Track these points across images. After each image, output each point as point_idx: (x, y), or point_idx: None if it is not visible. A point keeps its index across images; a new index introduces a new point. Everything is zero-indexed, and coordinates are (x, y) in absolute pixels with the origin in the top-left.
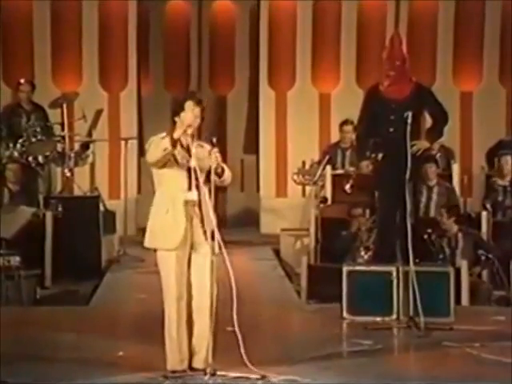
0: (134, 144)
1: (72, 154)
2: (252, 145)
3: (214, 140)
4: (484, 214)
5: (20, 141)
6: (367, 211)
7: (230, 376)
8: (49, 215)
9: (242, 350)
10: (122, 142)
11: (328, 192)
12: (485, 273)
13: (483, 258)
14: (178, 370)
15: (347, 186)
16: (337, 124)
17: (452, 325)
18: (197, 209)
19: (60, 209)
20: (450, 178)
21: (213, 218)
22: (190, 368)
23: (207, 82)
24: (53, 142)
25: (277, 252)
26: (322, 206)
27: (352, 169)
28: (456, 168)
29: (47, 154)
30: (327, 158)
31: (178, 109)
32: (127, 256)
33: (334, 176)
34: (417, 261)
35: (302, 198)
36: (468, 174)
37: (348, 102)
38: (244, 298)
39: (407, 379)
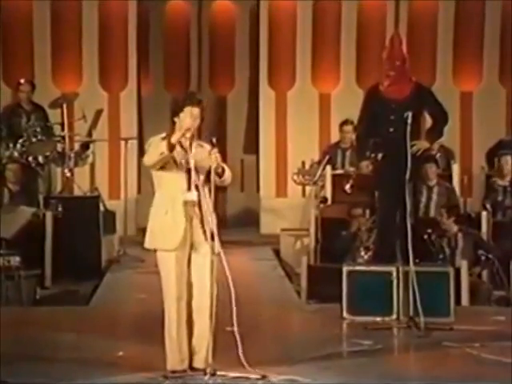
0: (134, 144)
1: (72, 154)
2: (252, 145)
3: (214, 140)
4: (484, 214)
5: (20, 141)
6: (367, 211)
7: (230, 376)
8: (49, 215)
9: (241, 352)
10: (122, 142)
11: (328, 192)
12: (485, 273)
13: (483, 258)
14: (178, 370)
15: (347, 186)
16: (337, 124)
17: (452, 325)
18: (196, 209)
19: (60, 209)
20: (450, 178)
21: (213, 217)
22: (191, 368)
23: (207, 82)
24: (53, 142)
25: (277, 252)
26: (321, 206)
27: (352, 169)
28: (456, 168)
29: (47, 154)
30: (327, 158)
31: (177, 109)
32: (127, 256)
33: (333, 176)
34: (417, 261)
35: (302, 198)
36: (468, 174)
37: (348, 102)
38: (244, 298)
39: (407, 379)
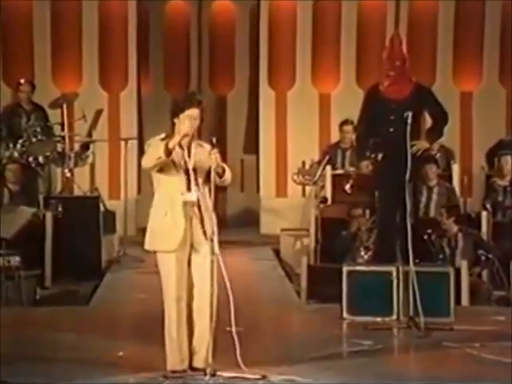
0: (133, 144)
1: (72, 155)
2: (252, 145)
3: (214, 140)
4: (484, 214)
5: (20, 141)
6: (367, 211)
7: (230, 376)
8: (49, 215)
9: (238, 353)
10: (122, 143)
11: (328, 192)
12: (485, 273)
13: (483, 258)
14: (178, 370)
15: (347, 186)
16: (337, 124)
17: (452, 325)
18: (196, 209)
19: (60, 209)
20: (450, 178)
21: (213, 217)
22: (191, 368)
23: (207, 82)
24: (53, 142)
25: (277, 252)
26: (321, 206)
27: (352, 169)
28: (456, 168)
29: (47, 154)
30: (327, 158)
31: (177, 110)
32: (127, 256)
33: (333, 176)
34: (417, 261)
35: (302, 198)
36: (468, 174)
37: (348, 102)
38: (244, 299)
39: (407, 379)
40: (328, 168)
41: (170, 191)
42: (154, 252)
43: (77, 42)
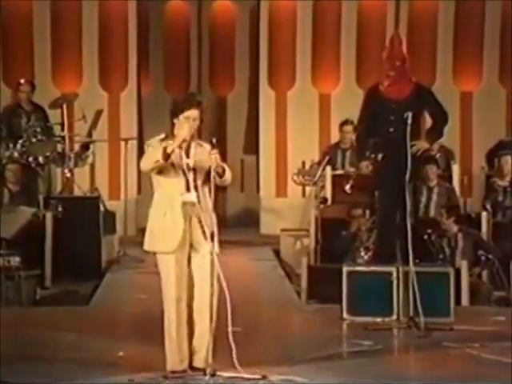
0: (133, 144)
1: (72, 155)
2: (252, 145)
3: (214, 140)
4: (484, 214)
5: (20, 141)
6: (367, 212)
7: (230, 376)
8: (49, 215)
9: (234, 355)
10: (122, 143)
11: (328, 192)
12: (485, 273)
13: (483, 258)
14: (178, 370)
15: (347, 187)
16: (337, 124)
17: (452, 325)
18: (196, 209)
19: (60, 209)
20: (450, 178)
21: (213, 217)
22: (191, 367)
23: (207, 82)
24: (53, 142)
25: (277, 252)
26: (321, 206)
27: (352, 169)
28: (456, 168)
29: (47, 154)
30: (327, 158)
31: (177, 111)
32: (127, 256)
33: (333, 176)
34: (417, 261)
35: (302, 199)
36: (468, 175)
37: (348, 102)
38: (244, 299)
39: (407, 379)
40: (328, 168)
41: (170, 192)
42: (154, 253)
43: (77, 42)
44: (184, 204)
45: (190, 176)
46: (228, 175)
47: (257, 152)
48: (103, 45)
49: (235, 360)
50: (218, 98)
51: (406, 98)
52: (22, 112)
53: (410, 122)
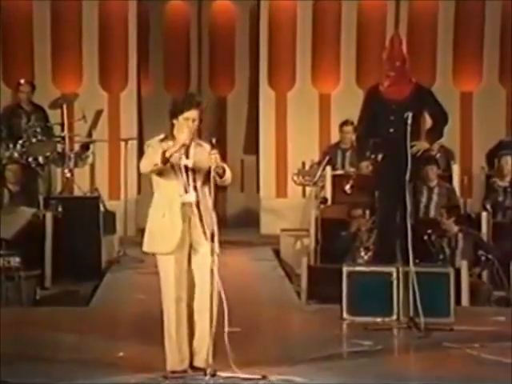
0: (133, 144)
1: (72, 155)
2: (252, 145)
3: (214, 141)
4: (484, 214)
5: (20, 141)
6: (367, 212)
7: (230, 376)
8: (49, 216)
9: (229, 355)
10: (122, 143)
11: (328, 193)
12: (485, 273)
13: (483, 258)
14: (178, 370)
15: (347, 187)
16: (337, 124)
17: (452, 325)
18: (195, 209)
19: (60, 209)
20: (450, 178)
21: (213, 217)
22: (192, 367)
23: (207, 82)
24: (53, 142)
25: (277, 252)
26: (322, 206)
27: (352, 169)
28: (456, 169)
29: (47, 154)
30: (327, 158)
31: (176, 112)
32: (127, 256)
33: (334, 177)
34: (417, 261)
35: (302, 199)
36: (468, 175)
37: (348, 102)
38: (244, 299)
39: (407, 380)
40: (328, 168)
41: (169, 193)
42: (153, 254)
43: (77, 42)
44: (183, 205)
45: (190, 176)
46: (228, 175)
47: (257, 152)
48: (103, 45)
49: (231, 362)
50: (218, 98)
51: (406, 99)
52: (22, 112)
53: (410, 122)
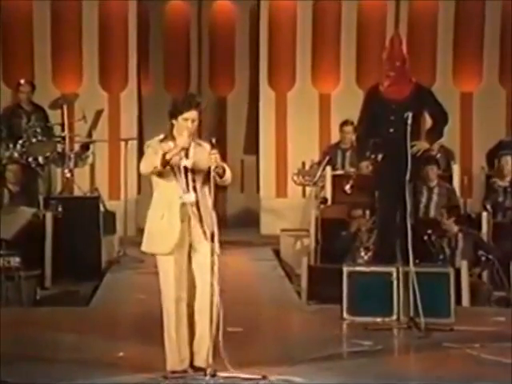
0: (133, 145)
1: (72, 155)
2: (252, 145)
3: (214, 141)
4: (484, 214)
5: (20, 141)
6: (367, 212)
7: (230, 376)
8: (49, 216)
9: (223, 355)
10: (122, 143)
11: (328, 193)
12: (485, 273)
13: (483, 258)
14: (178, 370)
15: (347, 187)
16: (337, 124)
17: (452, 325)
18: (195, 209)
19: (60, 209)
20: (450, 178)
21: (213, 217)
22: (192, 366)
23: (207, 82)
24: (53, 142)
25: (277, 252)
26: (322, 206)
27: (352, 169)
28: (456, 169)
29: (47, 154)
30: (327, 158)
31: (176, 112)
32: (127, 257)
33: (334, 177)
34: (417, 261)
35: (302, 199)
36: (468, 175)
37: (348, 102)
38: (244, 299)
39: (407, 380)
40: (328, 168)
41: (168, 193)
42: (152, 254)
43: (77, 42)
44: (183, 205)
45: (189, 177)
46: (228, 175)
47: (257, 152)
48: (103, 45)
49: (225, 361)
50: (218, 98)
51: (406, 99)
52: (22, 112)
53: (410, 122)
